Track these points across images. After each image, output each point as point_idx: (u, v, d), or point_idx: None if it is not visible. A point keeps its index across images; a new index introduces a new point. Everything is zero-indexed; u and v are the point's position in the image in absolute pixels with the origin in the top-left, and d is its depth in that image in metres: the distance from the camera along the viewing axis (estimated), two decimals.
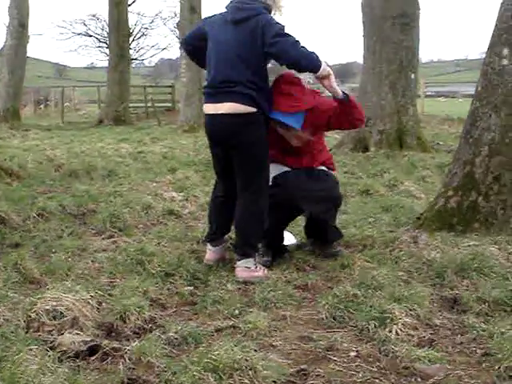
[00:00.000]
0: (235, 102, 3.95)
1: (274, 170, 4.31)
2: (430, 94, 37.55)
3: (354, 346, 2.93)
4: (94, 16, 38.67)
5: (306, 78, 4.18)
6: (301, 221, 4.98)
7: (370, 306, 3.22)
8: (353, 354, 2.85)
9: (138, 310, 3.21)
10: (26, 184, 7.62)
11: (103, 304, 3.38)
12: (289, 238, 4.74)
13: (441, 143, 12.58)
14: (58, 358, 2.69)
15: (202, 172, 8.67)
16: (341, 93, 4.11)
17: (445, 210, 4.82)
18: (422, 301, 3.31)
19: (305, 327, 3.21)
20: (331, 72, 4.00)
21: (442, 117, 20.56)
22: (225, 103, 3.99)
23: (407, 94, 11.26)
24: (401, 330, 3.00)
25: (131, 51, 31.39)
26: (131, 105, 25.73)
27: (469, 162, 4.78)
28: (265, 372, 2.52)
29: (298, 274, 4.08)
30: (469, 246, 4.28)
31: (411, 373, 2.65)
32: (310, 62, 3.89)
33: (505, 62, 4.68)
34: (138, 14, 47.60)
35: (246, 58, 3.95)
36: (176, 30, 32.54)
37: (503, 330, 2.95)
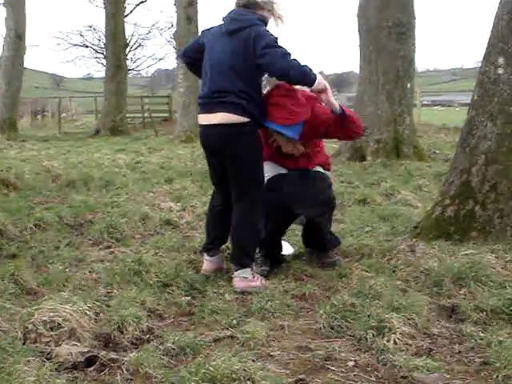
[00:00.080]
0: (227, 111, 3.96)
1: (270, 170, 4.33)
2: (426, 103, 37.69)
3: (352, 355, 2.93)
4: (90, 27, 38.61)
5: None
6: (298, 230, 4.98)
7: (368, 316, 3.22)
8: (351, 363, 2.85)
9: (135, 320, 3.20)
10: (23, 195, 7.62)
11: (101, 315, 3.37)
12: (286, 248, 4.74)
13: (437, 152, 12.60)
14: (56, 369, 2.69)
15: (199, 182, 8.67)
16: (338, 107, 4.12)
17: (442, 218, 4.83)
18: (419, 310, 3.31)
19: (303, 337, 3.20)
20: (328, 86, 4.01)
21: (439, 126, 20.60)
22: (217, 113, 4.00)
23: (403, 103, 11.30)
24: (399, 340, 3.00)
25: (128, 62, 31.37)
26: (128, 115, 25.73)
27: (465, 170, 4.79)
28: (263, 382, 2.51)
29: (295, 284, 4.07)
30: (466, 254, 4.28)
31: (409, 382, 2.65)
32: (299, 74, 3.87)
33: (500, 71, 4.70)
34: (135, 25, 47.64)
35: (239, 69, 3.96)
36: (172, 40, 32.57)
37: (501, 339, 2.95)
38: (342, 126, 4.19)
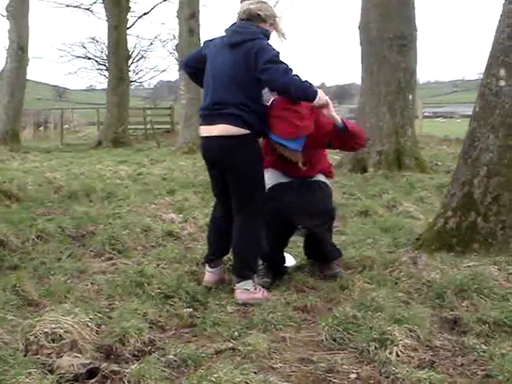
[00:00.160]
0: (228, 123, 3.97)
1: (272, 178, 4.34)
2: (427, 114, 37.73)
3: (354, 367, 2.92)
4: (93, 39, 38.81)
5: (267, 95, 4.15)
6: (300, 242, 4.98)
7: (370, 328, 3.21)
8: (353, 376, 2.84)
9: (137, 332, 3.19)
10: (25, 206, 7.62)
11: (102, 326, 3.37)
12: (289, 260, 4.73)
13: (439, 164, 12.60)
14: (57, 381, 2.68)
15: (201, 194, 8.67)
16: (340, 121, 4.13)
17: (444, 230, 4.83)
18: (422, 322, 3.30)
19: (305, 349, 3.20)
20: (329, 101, 4.01)
21: (440, 137, 20.61)
22: (217, 125, 4.01)
23: (405, 114, 11.31)
24: (401, 352, 2.99)
25: (130, 73, 31.49)
26: (130, 127, 25.79)
27: (467, 182, 4.79)
28: None
29: (297, 296, 4.07)
30: (468, 266, 4.28)
31: None
32: (300, 90, 3.87)
33: (502, 83, 4.71)
34: (137, 37, 47.83)
35: (240, 81, 3.97)
36: (175, 52, 32.70)
37: (504, 352, 2.94)
38: (345, 138, 4.20)
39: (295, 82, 3.85)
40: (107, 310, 3.69)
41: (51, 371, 2.78)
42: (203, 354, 3.05)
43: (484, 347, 3.08)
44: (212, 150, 4.12)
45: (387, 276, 4.35)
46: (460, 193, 4.82)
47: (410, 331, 3.17)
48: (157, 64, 42.66)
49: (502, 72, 4.72)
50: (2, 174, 11.20)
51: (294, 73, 3.86)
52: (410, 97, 11.40)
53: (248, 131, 3.98)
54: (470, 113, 5.23)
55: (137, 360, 3.00)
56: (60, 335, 3.04)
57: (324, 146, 4.41)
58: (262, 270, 4.36)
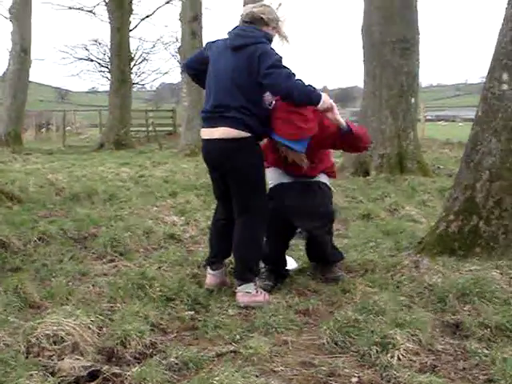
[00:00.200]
0: (228, 126, 3.97)
1: (273, 177, 4.35)
2: (429, 118, 37.72)
3: (355, 371, 2.92)
4: (95, 41, 38.93)
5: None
6: (302, 245, 4.98)
7: (372, 331, 3.21)
8: (354, 379, 2.84)
9: (138, 334, 3.19)
10: (27, 208, 7.62)
11: (104, 329, 3.37)
12: (291, 263, 4.73)
13: (441, 167, 12.58)
14: (58, 383, 2.68)
15: (203, 196, 8.67)
16: (345, 124, 4.12)
17: (446, 234, 4.82)
18: (423, 326, 3.30)
19: (306, 352, 3.19)
20: (334, 104, 4.01)
21: (443, 141, 20.59)
22: (219, 128, 4.01)
23: (407, 118, 11.29)
24: (403, 356, 2.99)
25: (133, 76, 31.59)
26: (132, 129, 25.82)
27: (470, 186, 4.79)
28: None
29: (299, 299, 4.07)
30: (470, 270, 4.28)
31: None
32: (304, 94, 3.86)
33: (505, 86, 4.71)
34: (140, 39, 48.09)
35: (242, 84, 3.97)
36: (177, 54, 32.76)
37: (506, 356, 2.94)
38: (349, 140, 4.20)
39: (298, 86, 3.84)
40: (109, 313, 3.68)
41: (52, 373, 2.78)
42: (204, 357, 3.04)
43: (486, 351, 3.08)
44: (213, 152, 4.12)
45: (389, 279, 4.35)
46: (462, 196, 4.82)
47: (412, 335, 3.17)
48: (159, 66, 43.03)
49: (505, 76, 4.71)
50: (3, 175, 11.21)
51: (296, 77, 3.86)
52: (413, 100, 11.39)
53: (249, 134, 3.98)
54: (473, 116, 5.22)
55: (138, 363, 3.00)
56: (61, 337, 3.04)
57: (328, 146, 4.42)
58: (263, 273, 4.36)
